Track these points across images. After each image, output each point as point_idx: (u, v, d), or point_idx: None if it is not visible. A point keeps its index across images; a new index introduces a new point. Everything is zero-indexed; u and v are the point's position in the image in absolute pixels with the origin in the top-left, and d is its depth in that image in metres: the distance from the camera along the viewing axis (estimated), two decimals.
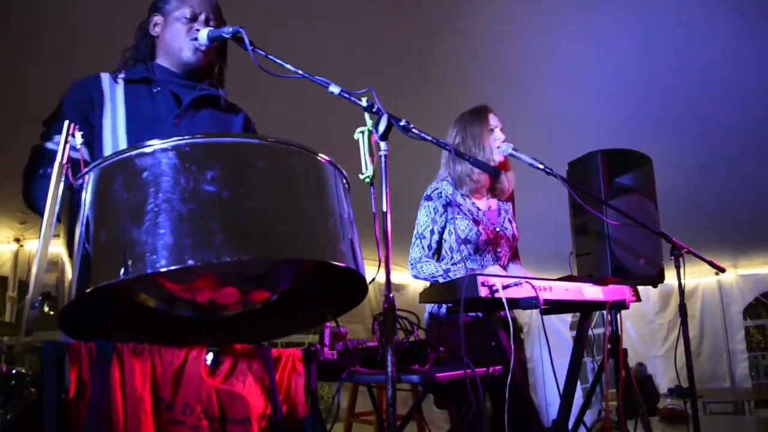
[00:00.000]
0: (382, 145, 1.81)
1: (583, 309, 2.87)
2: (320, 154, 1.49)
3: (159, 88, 2.02)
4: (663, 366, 9.72)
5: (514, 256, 3.10)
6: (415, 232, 2.92)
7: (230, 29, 1.87)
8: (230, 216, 1.32)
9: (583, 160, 3.59)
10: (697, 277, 9.87)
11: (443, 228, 2.91)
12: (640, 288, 3.27)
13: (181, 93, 2.05)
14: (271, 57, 1.78)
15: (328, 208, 1.45)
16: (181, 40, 2.04)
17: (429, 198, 2.94)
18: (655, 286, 3.58)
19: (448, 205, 2.90)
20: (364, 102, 1.83)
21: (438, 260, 2.93)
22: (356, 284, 1.58)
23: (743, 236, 7.76)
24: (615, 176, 3.57)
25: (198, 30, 2.01)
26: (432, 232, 2.89)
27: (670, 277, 3.13)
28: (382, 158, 1.76)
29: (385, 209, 1.71)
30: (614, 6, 4.51)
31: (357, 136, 1.79)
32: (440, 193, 2.93)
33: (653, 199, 3.60)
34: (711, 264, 2.99)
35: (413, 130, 1.87)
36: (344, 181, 1.58)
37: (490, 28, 4.46)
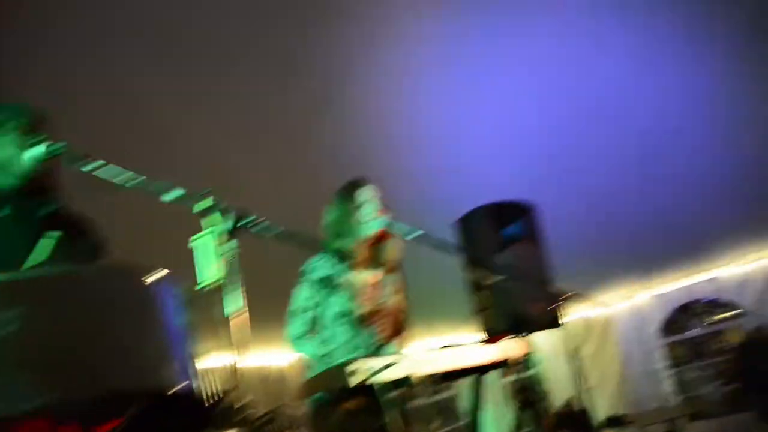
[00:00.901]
0: (232, 243, 1.72)
1: (479, 372, 2.81)
2: (141, 273, 1.39)
3: None
4: (595, 397, 9.83)
5: (399, 330, 3.01)
6: (292, 307, 2.84)
7: None
8: (33, 356, 1.20)
9: (469, 215, 3.66)
10: (613, 302, 10.17)
11: (320, 303, 2.84)
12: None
13: None
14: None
15: (149, 331, 1.35)
16: None
17: (305, 273, 2.87)
18: (551, 328, 3.61)
19: (325, 279, 2.83)
20: (208, 202, 1.74)
21: (317, 334, 2.84)
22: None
23: (652, 257, 8.11)
24: (502, 227, 3.64)
25: None
26: (308, 307, 2.82)
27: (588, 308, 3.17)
28: (233, 257, 1.68)
29: (240, 310, 1.62)
30: (498, 57, 4.70)
31: (196, 243, 1.69)
32: (316, 267, 2.87)
33: (542, 245, 3.69)
34: (594, 302, 3.04)
35: (265, 224, 1.80)
36: (177, 292, 1.48)
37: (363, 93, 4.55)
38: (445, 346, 2.65)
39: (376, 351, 2.83)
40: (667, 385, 9.67)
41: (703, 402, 10.10)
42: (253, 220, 1.84)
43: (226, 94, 4.43)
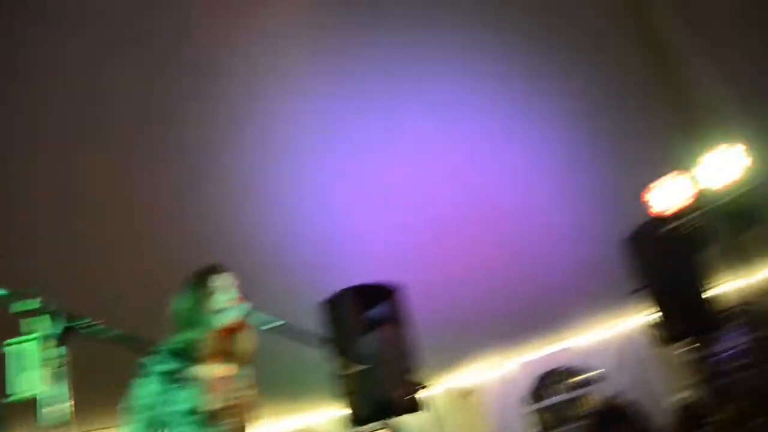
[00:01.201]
0: (61, 350, 1.56)
1: None
2: None
3: None
4: None
5: (246, 426, 2.84)
6: (130, 404, 2.59)
7: None
8: None
9: (335, 297, 3.64)
10: (482, 372, 10.46)
11: (165, 400, 2.62)
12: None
13: None
14: None
15: None
16: None
17: (146, 366, 2.65)
18: (414, 412, 3.61)
19: (170, 373, 2.63)
20: (33, 303, 1.58)
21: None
22: None
23: (516, 329, 8.46)
24: (366, 310, 3.65)
25: None
26: (150, 405, 2.59)
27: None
28: (62, 365, 1.51)
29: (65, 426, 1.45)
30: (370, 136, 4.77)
31: (11, 348, 1.52)
32: (160, 359, 2.66)
33: (406, 326, 3.72)
34: (461, 375, 3.07)
35: (92, 328, 1.66)
36: None
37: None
38: None
39: None
40: None
41: None
42: (87, 323, 1.69)
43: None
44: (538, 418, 10.77)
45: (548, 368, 10.12)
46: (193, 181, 4.19)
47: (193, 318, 2.74)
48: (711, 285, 3.56)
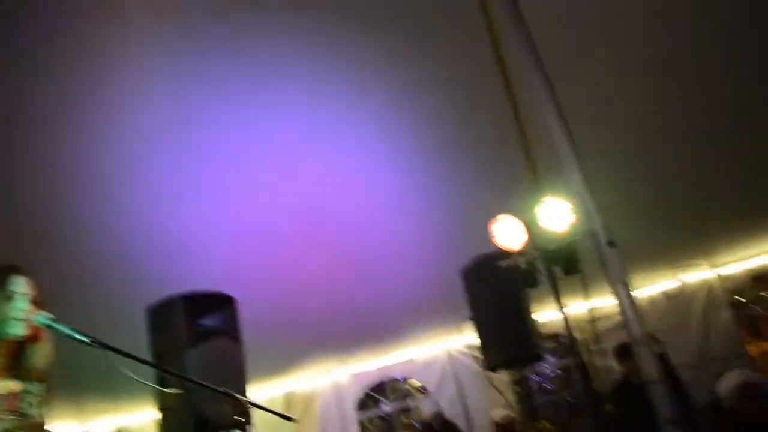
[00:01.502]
0: None
1: None
2: None
3: None
4: None
5: None
6: None
7: None
8: None
9: (163, 304, 3.40)
10: (314, 380, 10.51)
11: None
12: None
13: None
14: None
15: None
16: None
17: None
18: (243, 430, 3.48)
19: None
20: None
21: None
22: None
23: (354, 339, 8.53)
24: (198, 319, 3.46)
25: None
26: None
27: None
28: None
29: None
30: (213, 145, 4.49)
31: None
32: None
33: (239, 339, 3.58)
34: (280, 415, 2.97)
35: None
36: None
37: None
38: None
39: None
40: None
41: None
42: None
43: None
44: (368, 426, 11.02)
45: (379, 379, 10.39)
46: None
47: None
48: (532, 318, 3.85)
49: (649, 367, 2.65)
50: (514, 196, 3.58)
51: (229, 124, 4.03)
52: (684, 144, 4.97)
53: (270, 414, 2.97)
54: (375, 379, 10.24)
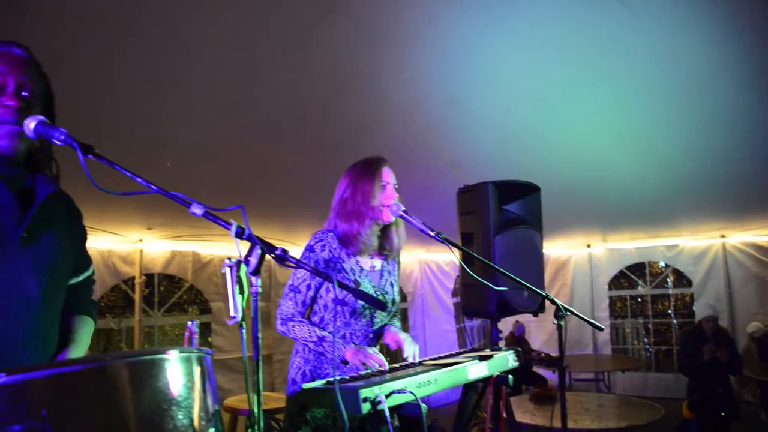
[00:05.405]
0: (253, 280, 1.55)
1: (466, 387, 2.80)
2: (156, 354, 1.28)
3: None
4: (536, 330, 10.45)
5: (392, 317, 2.93)
6: (290, 283, 2.68)
7: (62, 136, 1.48)
8: None
9: (473, 189, 3.54)
10: (571, 249, 10.55)
11: (321, 284, 2.69)
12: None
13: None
14: (118, 167, 1.49)
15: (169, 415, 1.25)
16: None
17: (311, 249, 2.68)
18: (535, 315, 3.66)
19: (331, 261, 2.67)
20: (233, 229, 1.57)
21: (310, 316, 2.73)
22: None
23: (609, 218, 8.36)
24: (504, 205, 3.56)
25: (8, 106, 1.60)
26: (309, 287, 2.66)
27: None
28: (253, 296, 1.54)
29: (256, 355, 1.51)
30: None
31: (225, 270, 1.54)
32: (324, 245, 2.70)
33: (539, 229, 3.64)
34: (591, 324, 3.02)
35: (289, 260, 1.66)
36: (203, 367, 1.37)
37: None
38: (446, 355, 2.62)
39: (370, 343, 2.76)
40: (604, 334, 10.40)
41: None
42: (282, 254, 1.68)
43: None
44: (612, 304, 10.96)
45: (638, 260, 10.08)
46: None
47: (357, 209, 2.70)
48: None
49: None
50: None
51: None
52: None
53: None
54: (633, 259, 9.95)
